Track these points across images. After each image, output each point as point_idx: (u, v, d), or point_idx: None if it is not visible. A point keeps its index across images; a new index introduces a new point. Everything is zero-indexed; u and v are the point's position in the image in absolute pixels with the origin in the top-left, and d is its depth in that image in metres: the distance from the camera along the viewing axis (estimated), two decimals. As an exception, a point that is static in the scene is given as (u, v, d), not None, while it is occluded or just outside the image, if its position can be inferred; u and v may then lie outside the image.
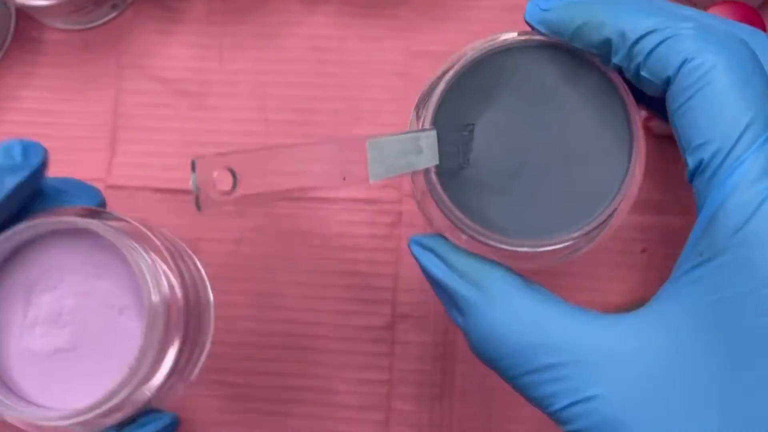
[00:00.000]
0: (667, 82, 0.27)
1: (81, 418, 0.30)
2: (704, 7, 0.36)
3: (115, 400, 0.30)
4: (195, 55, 0.48)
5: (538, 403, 0.29)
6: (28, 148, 0.32)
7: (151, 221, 0.47)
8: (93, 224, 0.31)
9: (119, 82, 0.49)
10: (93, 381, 0.31)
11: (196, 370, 0.36)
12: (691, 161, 0.27)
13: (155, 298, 0.30)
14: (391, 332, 0.46)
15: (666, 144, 0.46)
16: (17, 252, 0.33)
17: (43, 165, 0.32)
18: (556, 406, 0.28)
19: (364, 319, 0.46)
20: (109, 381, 0.30)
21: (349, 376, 0.46)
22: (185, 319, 0.33)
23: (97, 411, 0.30)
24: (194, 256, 0.37)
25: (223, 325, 0.46)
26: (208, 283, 0.37)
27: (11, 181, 0.31)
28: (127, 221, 0.33)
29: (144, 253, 0.31)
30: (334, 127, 0.47)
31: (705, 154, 0.27)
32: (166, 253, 0.33)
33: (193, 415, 0.46)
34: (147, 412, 0.33)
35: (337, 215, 0.47)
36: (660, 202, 0.46)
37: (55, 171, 0.49)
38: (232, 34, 0.48)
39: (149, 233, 0.33)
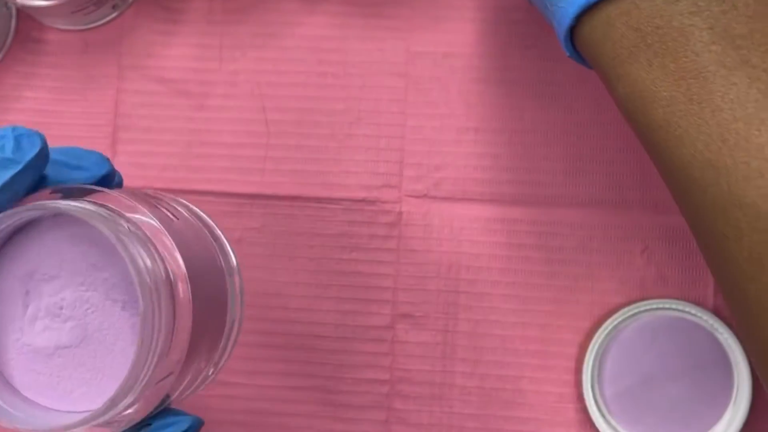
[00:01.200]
0: None
1: (81, 427, 0.28)
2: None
3: (122, 404, 0.27)
4: (195, 56, 0.48)
5: None
6: (21, 138, 0.29)
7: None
8: (72, 208, 0.27)
9: (119, 82, 0.49)
10: (97, 380, 0.30)
11: (223, 359, 0.33)
12: None
13: (149, 288, 0.27)
14: (391, 332, 0.46)
15: (666, 144, 0.46)
16: (11, 239, 0.30)
17: (39, 156, 0.29)
18: None
19: (364, 319, 0.46)
20: (114, 380, 0.28)
21: (349, 376, 0.46)
22: (195, 305, 0.30)
23: (99, 419, 0.27)
24: (217, 229, 0.34)
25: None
26: (234, 259, 0.34)
27: (2, 177, 0.28)
28: (124, 197, 0.30)
29: (137, 241, 0.28)
30: (334, 127, 0.47)
31: None
32: (168, 236, 0.30)
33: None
34: (166, 412, 0.31)
35: (337, 215, 0.47)
36: (660, 202, 0.46)
37: (55, 171, 0.49)
38: (232, 34, 0.48)
39: (146, 209, 0.30)
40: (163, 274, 0.28)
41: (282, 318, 0.46)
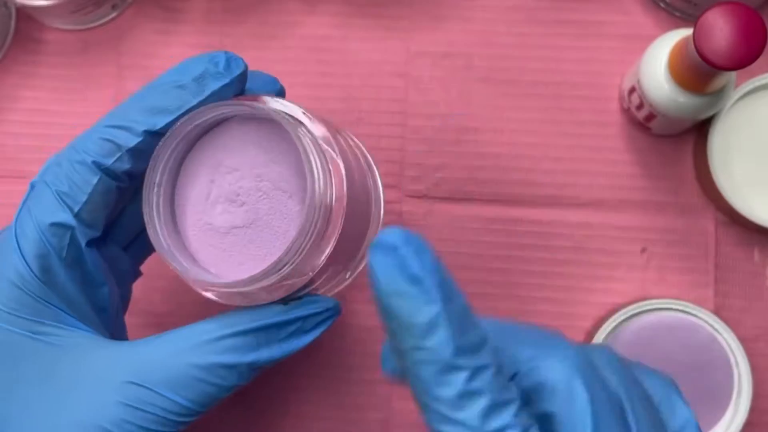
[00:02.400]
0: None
1: (243, 288, 0.33)
2: (704, 9, 0.36)
3: (275, 276, 0.32)
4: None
5: None
6: (230, 60, 0.35)
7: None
8: (272, 112, 0.33)
9: (119, 82, 0.49)
10: (261, 258, 0.34)
11: (361, 265, 0.37)
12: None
13: (318, 186, 0.32)
14: (391, 332, 0.46)
15: (666, 144, 0.46)
16: (205, 133, 0.35)
17: (242, 75, 0.35)
18: None
19: (365, 319, 0.46)
20: (276, 257, 0.33)
21: (350, 376, 0.46)
22: (347, 209, 0.34)
23: (258, 284, 0.32)
24: (369, 155, 0.39)
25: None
26: (378, 178, 0.39)
27: (212, 86, 0.35)
28: (303, 110, 0.35)
29: (312, 144, 0.33)
30: (334, 127, 0.47)
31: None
32: (335, 145, 0.35)
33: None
34: (310, 295, 0.36)
35: (337, 215, 0.47)
36: (660, 202, 0.46)
37: (55, 171, 0.49)
38: (232, 35, 0.48)
39: (321, 124, 0.35)
40: (329, 180, 0.33)
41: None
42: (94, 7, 0.47)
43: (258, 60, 0.48)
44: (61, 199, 0.34)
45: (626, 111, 0.46)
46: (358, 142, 0.40)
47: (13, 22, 0.49)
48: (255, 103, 0.34)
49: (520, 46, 0.47)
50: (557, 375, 0.28)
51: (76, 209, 0.34)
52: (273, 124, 0.34)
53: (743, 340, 0.43)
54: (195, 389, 0.34)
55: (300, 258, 0.32)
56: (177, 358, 0.34)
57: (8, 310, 0.34)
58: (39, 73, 0.49)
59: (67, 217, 0.34)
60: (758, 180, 0.43)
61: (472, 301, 0.46)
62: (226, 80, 0.35)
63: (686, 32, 0.39)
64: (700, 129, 0.45)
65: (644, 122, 0.44)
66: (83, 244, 0.35)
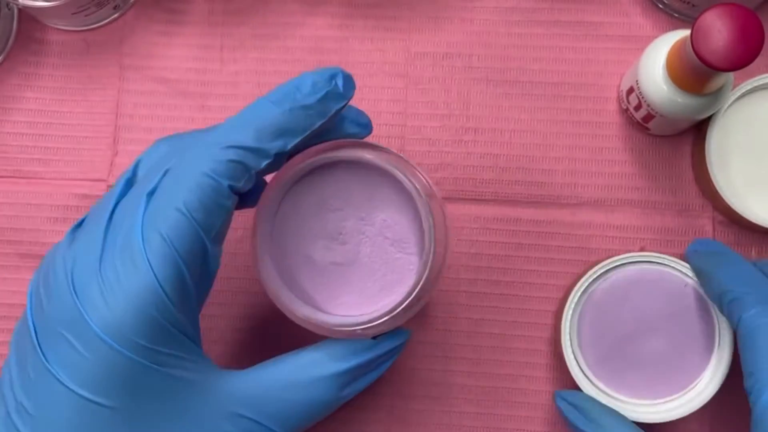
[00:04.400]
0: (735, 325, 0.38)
1: (363, 327, 0.36)
2: (702, 10, 0.36)
3: (401, 318, 0.36)
4: (196, 56, 0.49)
5: None
6: (347, 79, 0.36)
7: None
8: (388, 165, 0.36)
9: (121, 83, 0.49)
10: (357, 296, 0.37)
11: (435, 287, 0.39)
12: (746, 384, 0.37)
13: (433, 246, 0.35)
14: (391, 331, 0.46)
15: (664, 144, 0.46)
16: (313, 172, 0.37)
17: (351, 96, 0.36)
18: None
19: (365, 319, 0.46)
20: (369, 300, 0.37)
21: (350, 375, 0.46)
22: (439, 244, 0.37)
23: (385, 318, 0.35)
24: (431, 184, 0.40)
25: (224, 324, 0.46)
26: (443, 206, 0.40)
27: (334, 107, 0.35)
28: (401, 156, 0.37)
29: (421, 194, 0.36)
30: (334, 127, 0.47)
31: (748, 383, 0.36)
32: (429, 188, 0.37)
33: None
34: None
35: (338, 215, 0.47)
36: (658, 202, 0.46)
37: (56, 170, 0.49)
38: (233, 35, 0.49)
39: (418, 171, 0.37)
40: (434, 227, 0.36)
41: (283, 317, 0.46)
42: (96, 7, 0.47)
43: (259, 60, 0.48)
44: (199, 225, 0.33)
45: (625, 111, 0.46)
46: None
47: (15, 23, 0.49)
48: (366, 153, 0.36)
49: (520, 47, 0.47)
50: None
51: (212, 234, 0.33)
52: (376, 169, 0.37)
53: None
54: (297, 421, 0.36)
55: (418, 304, 0.36)
56: (290, 393, 0.36)
57: (136, 337, 0.32)
58: (41, 74, 0.49)
59: (204, 243, 0.33)
60: (756, 180, 0.44)
61: (471, 300, 0.46)
62: (345, 102, 0.35)
63: (684, 33, 0.39)
64: (698, 129, 0.45)
65: (642, 122, 0.44)
66: (211, 269, 0.34)
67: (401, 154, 0.37)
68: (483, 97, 0.47)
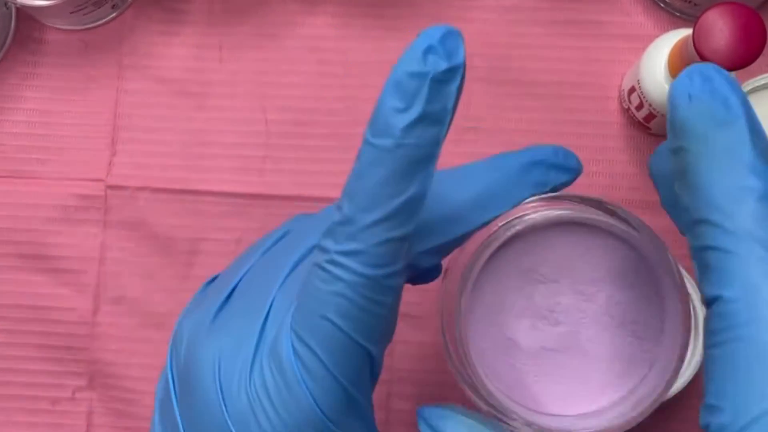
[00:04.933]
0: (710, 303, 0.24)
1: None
2: (704, 9, 0.36)
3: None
4: (195, 56, 0.48)
5: None
6: (569, 156, 0.31)
7: (151, 221, 0.47)
8: (622, 230, 0.28)
9: (119, 82, 0.49)
10: (573, 388, 0.29)
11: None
12: (702, 419, 0.24)
13: (689, 329, 0.27)
14: (391, 332, 0.46)
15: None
16: (518, 236, 0.30)
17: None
18: None
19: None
20: (589, 396, 0.29)
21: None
22: None
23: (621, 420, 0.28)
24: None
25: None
26: None
27: (555, 181, 0.30)
28: (639, 222, 0.29)
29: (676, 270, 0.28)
30: (334, 127, 0.47)
31: (714, 419, 0.23)
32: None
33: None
34: None
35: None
36: (659, 202, 0.46)
37: (55, 170, 0.49)
38: (232, 35, 0.48)
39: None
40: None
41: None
42: (94, 7, 0.47)
43: (258, 60, 0.48)
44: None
45: (626, 111, 0.46)
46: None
47: (13, 23, 0.49)
48: (599, 216, 0.29)
49: (520, 46, 0.47)
50: None
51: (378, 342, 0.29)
52: (608, 237, 0.29)
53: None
54: None
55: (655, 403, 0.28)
56: None
57: None
58: (39, 74, 0.49)
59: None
60: (758, 180, 0.43)
61: (472, 300, 0.46)
62: (568, 178, 0.31)
63: (686, 32, 0.39)
64: (700, 129, 0.45)
65: (644, 122, 0.44)
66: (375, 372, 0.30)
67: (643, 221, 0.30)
68: (484, 96, 0.47)
